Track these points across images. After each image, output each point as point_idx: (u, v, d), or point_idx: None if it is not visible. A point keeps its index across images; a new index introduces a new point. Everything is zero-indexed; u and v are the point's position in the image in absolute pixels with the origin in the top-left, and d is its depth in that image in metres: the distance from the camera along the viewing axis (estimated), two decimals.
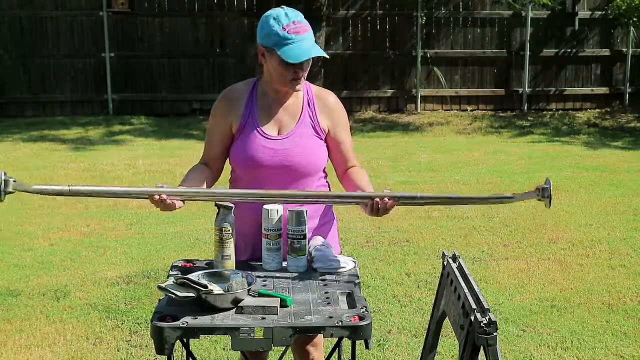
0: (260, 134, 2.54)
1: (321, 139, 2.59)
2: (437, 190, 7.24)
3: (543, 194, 2.33)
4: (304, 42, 2.43)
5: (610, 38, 12.33)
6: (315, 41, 2.55)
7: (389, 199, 2.35)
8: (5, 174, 2.18)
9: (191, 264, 2.53)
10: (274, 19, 2.45)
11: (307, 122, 2.57)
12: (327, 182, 2.71)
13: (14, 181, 2.19)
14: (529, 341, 3.85)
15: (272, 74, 2.52)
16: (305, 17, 2.61)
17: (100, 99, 11.85)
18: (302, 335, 2.24)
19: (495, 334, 2.00)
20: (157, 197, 2.32)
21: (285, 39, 2.42)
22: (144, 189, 2.37)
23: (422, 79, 12.13)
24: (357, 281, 2.37)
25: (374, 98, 12.22)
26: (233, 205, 2.43)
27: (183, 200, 2.39)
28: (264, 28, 2.47)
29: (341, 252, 2.77)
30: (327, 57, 2.57)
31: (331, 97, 2.64)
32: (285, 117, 2.57)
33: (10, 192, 2.20)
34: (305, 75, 2.53)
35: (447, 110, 12.18)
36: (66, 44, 11.72)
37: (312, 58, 2.48)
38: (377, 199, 2.35)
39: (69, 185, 2.27)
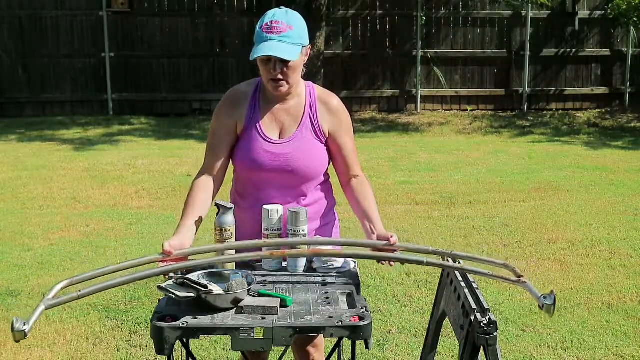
0: (261, 137, 2.53)
1: (322, 142, 2.58)
2: (437, 189, 7.23)
3: (547, 310, 2.13)
4: (272, 42, 2.41)
5: (611, 38, 12.34)
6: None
7: (393, 262, 2.38)
8: (18, 321, 1.95)
9: None
10: (262, 17, 2.48)
11: (308, 126, 2.56)
12: (329, 184, 2.70)
13: (24, 325, 1.96)
14: (529, 341, 3.85)
15: (261, 76, 2.54)
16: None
17: (100, 99, 11.85)
18: (303, 336, 2.24)
19: (495, 334, 2.00)
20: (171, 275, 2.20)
21: (258, 37, 2.44)
22: (152, 271, 2.17)
23: (422, 79, 12.14)
24: (357, 281, 2.37)
25: (373, 98, 12.22)
26: (233, 205, 2.43)
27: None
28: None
29: None
30: (288, 59, 2.44)
31: (334, 100, 2.62)
32: (287, 120, 2.56)
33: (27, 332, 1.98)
34: (290, 78, 2.47)
35: (447, 110, 12.19)
36: (66, 44, 11.72)
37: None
38: (383, 264, 2.40)
39: (77, 291, 2.11)
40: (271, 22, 2.43)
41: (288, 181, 2.54)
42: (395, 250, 2.37)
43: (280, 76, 2.45)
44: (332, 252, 2.42)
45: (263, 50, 2.40)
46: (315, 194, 2.62)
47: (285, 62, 2.44)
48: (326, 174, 2.67)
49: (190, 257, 2.33)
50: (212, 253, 2.38)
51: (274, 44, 2.41)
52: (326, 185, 2.69)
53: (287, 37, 2.42)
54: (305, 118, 2.56)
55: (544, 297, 2.12)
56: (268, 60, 2.44)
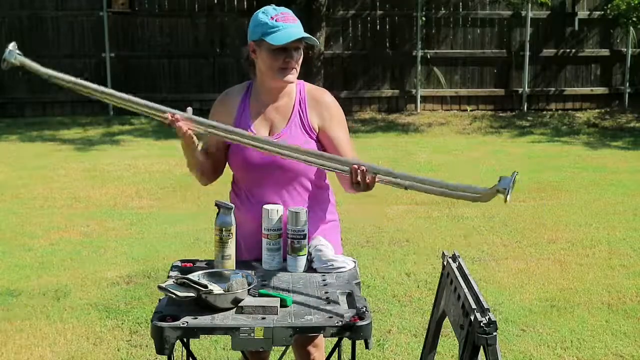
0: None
1: (312, 138, 2.58)
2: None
3: (504, 192, 2.24)
4: (291, 28, 2.46)
5: (610, 38, 12.34)
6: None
7: (368, 176, 2.30)
8: (14, 46, 2.43)
9: (191, 264, 2.53)
10: (262, 12, 2.50)
11: (297, 122, 2.57)
12: (327, 182, 2.71)
13: (18, 53, 2.43)
14: (528, 341, 3.85)
15: (262, 68, 2.53)
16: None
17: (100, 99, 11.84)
18: (303, 336, 2.24)
19: (495, 333, 2.01)
20: (170, 116, 2.43)
21: (273, 27, 2.46)
22: (160, 107, 2.49)
23: (422, 79, 12.14)
24: (357, 281, 2.38)
25: (373, 98, 12.23)
26: (233, 205, 2.44)
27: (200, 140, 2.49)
28: (253, 23, 2.52)
29: (342, 252, 2.77)
30: (317, 43, 2.57)
31: (324, 95, 2.64)
32: (276, 117, 2.58)
33: (14, 64, 2.44)
34: (298, 67, 2.52)
35: (447, 110, 12.19)
36: (66, 44, 11.73)
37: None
38: (355, 168, 2.31)
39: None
40: (283, 14, 2.48)
41: (280, 178, 2.55)
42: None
43: (295, 66, 2.50)
44: (301, 151, 2.39)
45: (293, 34, 2.44)
46: (312, 191, 2.63)
47: (297, 51, 2.50)
48: (324, 173, 2.67)
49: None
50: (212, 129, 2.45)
51: (298, 30, 2.46)
52: (324, 183, 2.69)
53: (299, 26, 2.49)
54: (294, 115, 2.58)
55: (499, 182, 2.18)
56: (283, 49, 2.47)
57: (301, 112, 2.58)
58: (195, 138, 2.46)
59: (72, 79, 2.50)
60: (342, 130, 2.62)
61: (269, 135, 2.57)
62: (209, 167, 2.62)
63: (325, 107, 2.60)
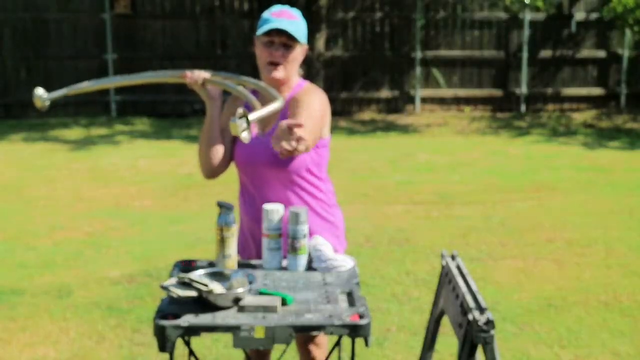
0: None
1: None
2: (436, 190, 7.28)
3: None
4: (281, 22, 2.52)
5: (606, 40, 12.37)
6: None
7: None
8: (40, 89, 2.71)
9: (193, 263, 2.56)
10: (267, 10, 2.60)
11: (281, 120, 2.62)
12: (324, 181, 2.72)
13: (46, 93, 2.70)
14: (526, 339, 3.89)
15: (259, 64, 2.61)
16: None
17: (102, 100, 11.88)
18: (305, 334, 2.28)
19: (492, 332, 2.03)
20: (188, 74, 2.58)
21: (266, 20, 2.55)
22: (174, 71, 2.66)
23: (421, 80, 12.18)
24: (356, 280, 2.41)
25: (373, 99, 12.26)
26: (233, 205, 2.48)
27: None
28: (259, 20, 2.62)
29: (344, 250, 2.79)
30: (296, 38, 2.56)
31: (307, 93, 2.62)
32: (271, 116, 2.59)
33: (45, 106, 2.74)
34: (287, 64, 2.56)
35: (445, 111, 12.23)
36: (69, 45, 11.76)
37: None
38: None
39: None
40: (280, 10, 2.56)
41: (278, 175, 2.59)
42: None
43: (279, 60, 2.55)
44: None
45: (275, 24, 2.51)
46: (309, 188, 2.65)
47: (287, 48, 2.55)
48: (322, 172, 2.70)
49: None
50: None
51: (286, 24, 2.52)
52: (321, 183, 2.70)
53: (295, 24, 2.55)
54: (281, 114, 2.61)
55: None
56: (271, 42, 2.54)
57: (285, 110, 2.60)
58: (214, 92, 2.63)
59: (92, 84, 2.85)
60: (302, 111, 2.54)
61: (262, 132, 2.61)
62: (218, 148, 2.64)
63: (299, 99, 2.59)
